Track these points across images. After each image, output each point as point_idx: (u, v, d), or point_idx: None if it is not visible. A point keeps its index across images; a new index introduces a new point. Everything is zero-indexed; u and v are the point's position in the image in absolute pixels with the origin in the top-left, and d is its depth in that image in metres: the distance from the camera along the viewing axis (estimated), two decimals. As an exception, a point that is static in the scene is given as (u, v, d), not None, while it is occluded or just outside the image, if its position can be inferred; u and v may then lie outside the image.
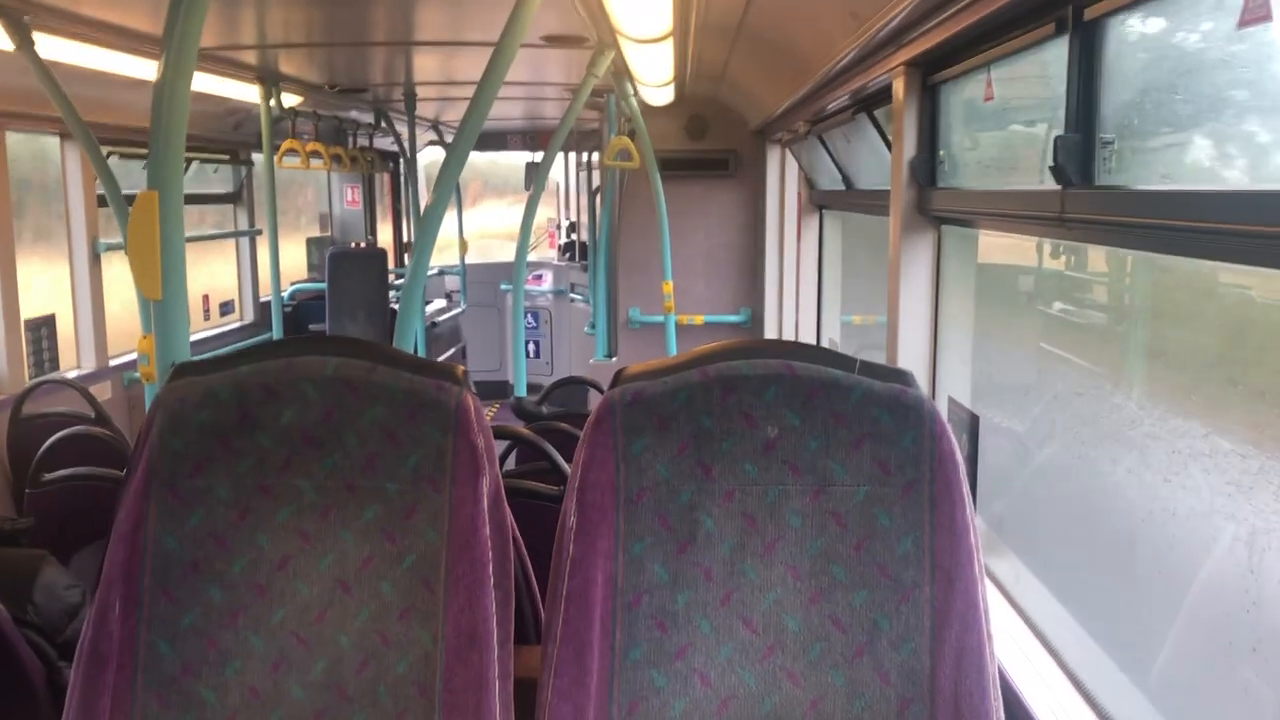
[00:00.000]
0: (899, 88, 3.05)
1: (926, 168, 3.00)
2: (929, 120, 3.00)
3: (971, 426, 2.76)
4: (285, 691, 1.64)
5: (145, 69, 4.59)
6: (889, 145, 3.38)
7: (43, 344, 5.39)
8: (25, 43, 3.71)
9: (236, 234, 7.90)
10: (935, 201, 2.96)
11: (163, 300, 2.07)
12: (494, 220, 14.98)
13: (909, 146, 3.03)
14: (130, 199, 2.19)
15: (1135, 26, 1.93)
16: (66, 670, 2.40)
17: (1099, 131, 1.96)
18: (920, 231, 3.05)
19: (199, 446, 1.66)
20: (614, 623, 1.63)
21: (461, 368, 1.74)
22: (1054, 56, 2.18)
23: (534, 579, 2.21)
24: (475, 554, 1.64)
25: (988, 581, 1.81)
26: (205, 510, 1.65)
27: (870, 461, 1.62)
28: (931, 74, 2.95)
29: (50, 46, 3.91)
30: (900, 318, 3.11)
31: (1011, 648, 2.50)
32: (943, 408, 3.02)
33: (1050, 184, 2.10)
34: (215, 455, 1.66)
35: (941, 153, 3.00)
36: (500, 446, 3.33)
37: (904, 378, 1.66)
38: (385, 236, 11.07)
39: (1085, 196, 1.98)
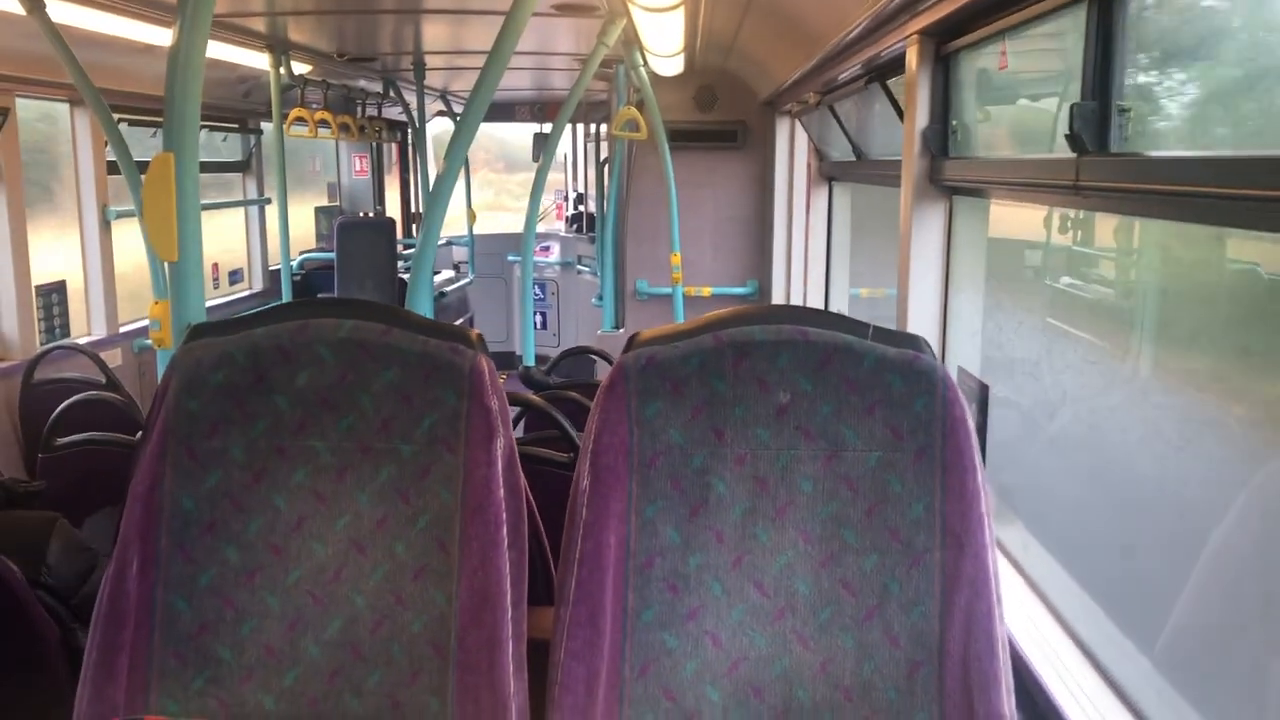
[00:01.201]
0: (912, 57, 3.03)
1: (939, 138, 2.99)
2: (942, 90, 2.99)
3: (981, 396, 2.76)
4: (301, 650, 1.66)
5: (157, 35, 4.58)
6: (901, 115, 3.36)
7: (54, 310, 5.40)
8: (36, 6, 3.70)
9: (246, 202, 7.90)
10: (947, 171, 2.95)
11: (178, 262, 2.07)
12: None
13: (921, 116, 3.01)
14: (141, 165, 2.20)
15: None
16: (80, 632, 2.43)
17: (1115, 99, 1.95)
18: (932, 201, 3.04)
19: (215, 407, 1.67)
20: (626, 585, 1.64)
21: (476, 332, 1.75)
22: (1070, 25, 2.17)
23: (546, 542, 2.23)
24: (489, 515, 1.65)
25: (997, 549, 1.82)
26: (222, 471, 1.67)
27: (882, 427, 1.63)
28: (945, 43, 2.93)
29: (61, 11, 3.90)
30: (911, 287, 3.11)
31: (1019, 613, 2.52)
32: (953, 377, 3.02)
33: (1064, 153, 2.09)
34: (231, 416, 1.67)
35: (954, 122, 2.98)
36: (511, 414, 3.35)
37: (916, 343, 1.67)
38: (393, 206, 11.06)
39: (1101, 164, 1.97)
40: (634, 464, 1.65)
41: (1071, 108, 2.00)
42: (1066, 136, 2.03)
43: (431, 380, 1.68)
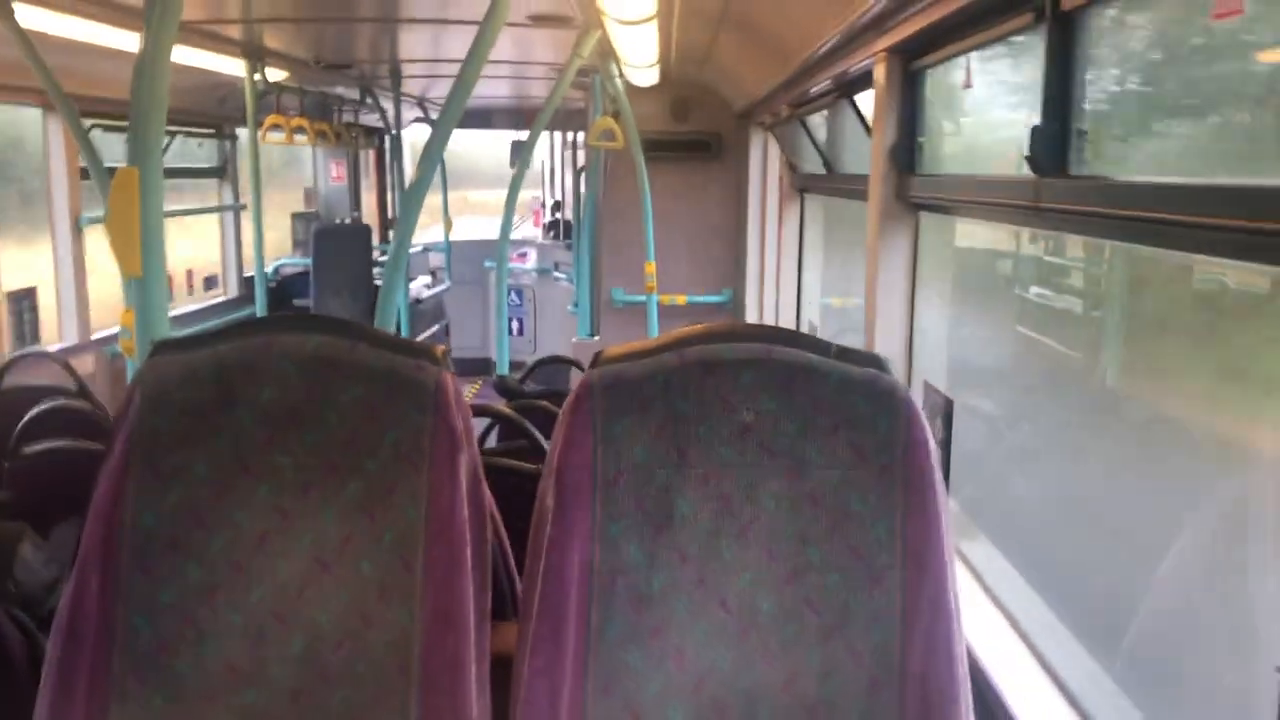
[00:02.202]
0: (880, 74, 3.06)
1: (906, 154, 3.02)
2: (909, 107, 3.02)
3: (946, 411, 2.79)
4: (263, 669, 1.65)
5: (128, 40, 4.55)
6: (869, 131, 3.39)
7: (24, 317, 5.36)
8: (5, 12, 3.68)
9: (220, 209, 7.86)
10: (914, 188, 2.98)
11: (143, 277, 2.07)
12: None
13: (889, 133, 3.04)
14: (112, 171, 2.19)
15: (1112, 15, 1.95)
16: (47, 644, 2.41)
17: (1074, 122, 1.98)
18: (899, 218, 3.07)
19: (178, 424, 1.67)
20: (590, 603, 1.64)
21: (441, 347, 1.75)
22: (1034, 44, 2.20)
23: (512, 557, 2.23)
24: (453, 534, 1.66)
25: (959, 565, 1.84)
26: (184, 487, 1.66)
27: (845, 446, 1.64)
28: (912, 60, 2.96)
29: (31, 16, 3.87)
30: (878, 302, 3.13)
31: (982, 630, 2.54)
32: (918, 392, 3.05)
33: (1026, 173, 2.12)
34: (195, 433, 1.67)
35: (921, 139, 3.01)
36: (483, 424, 3.34)
37: (879, 363, 1.68)
38: (371, 212, 11.03)
39: (1059, 186, 2.00)
40: (598, 481, 1.66)
41: (1032, 130, 2.03)
42: (1026, 158, 2.06)
43: (396, 397, 1.68)
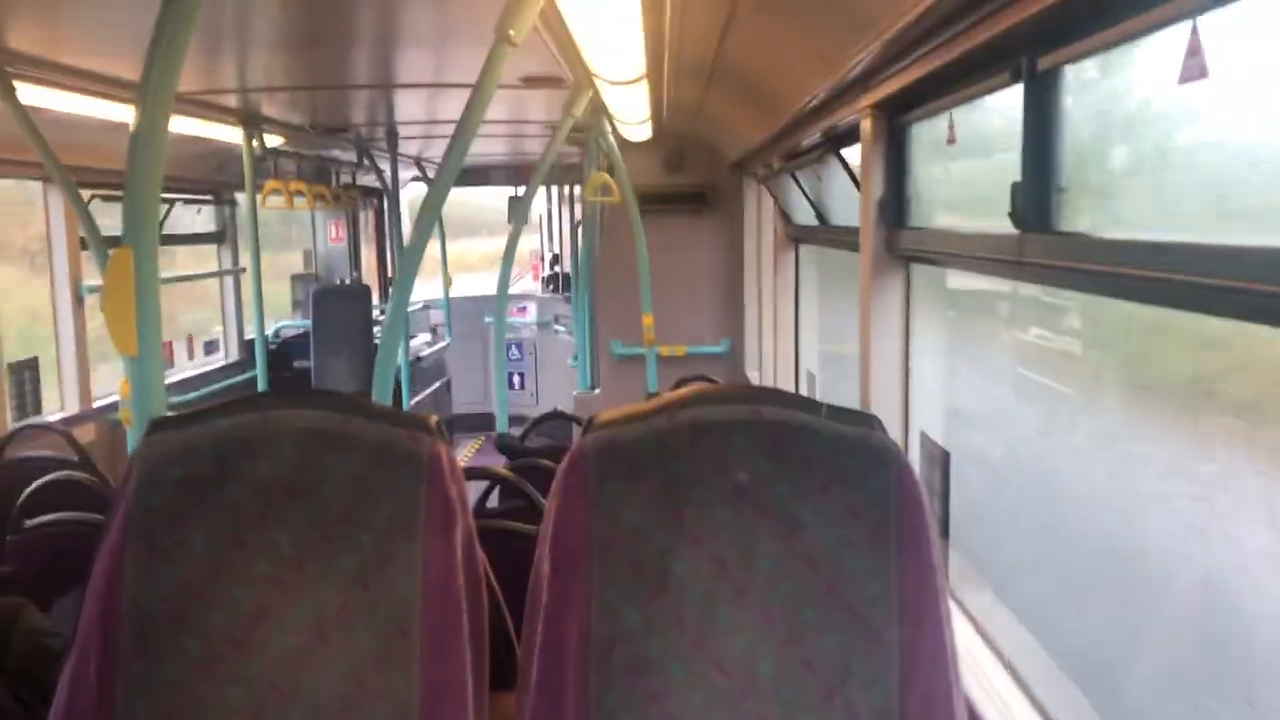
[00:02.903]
0: (866, 128, 3.10)
1: (894, 208, 3.06)
2: (896, 160, 3.06)
3: (944, 462, 2.80)
4: None
5: (127, 113, 4.62)
6: (858, 185, 3.44)
7: (25, 387, 5.38)
8: (6, 92, 3.74)
9: (220, 273, 7.92)
10: (903, 241, 3.01)
11: (138, 354, 2.09)
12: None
13: (877, 186, 3.08)
14: (110, 240, 2.21)
15: (1088, 74, 1.98)
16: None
17: (1055, 178, 2.01)
18: (890, 270, 3.10)
19: (176, 501, 1.68)
20: (587, 670, 1.64)
21: (435, 418, 1.76)
22: (1016, 100, 2.24)
23: (510, 624, 2.23)
24: (449, 604, 1.66)
25: (961, 616, 1.84)
26: (182, 564, 1.67)
27: (838, 505, 1.65)
28: (898, 115, 3.01)
29: (31, 94, 3.94)
30: (872, 355, 3.15)
31: (983, 682, 2.53)
32: (915, 443, 3.06)
33: (1010, 229, 2.15)
34: (192, 509, 1.68)
35: (909, 192, 3.05)
36: (484, 484, 3.35)
37: (870, 421, 1.69)
38: (370, 272, 11.10)
39: (1041, 242, 2.03)
40: (594, 546, 1.66)
41: (1013, 186, 2.06)
42: (1009, 215, 2.09)
43: (390, 468, 1.70)
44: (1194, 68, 1.43)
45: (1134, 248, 1.70)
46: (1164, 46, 1.60)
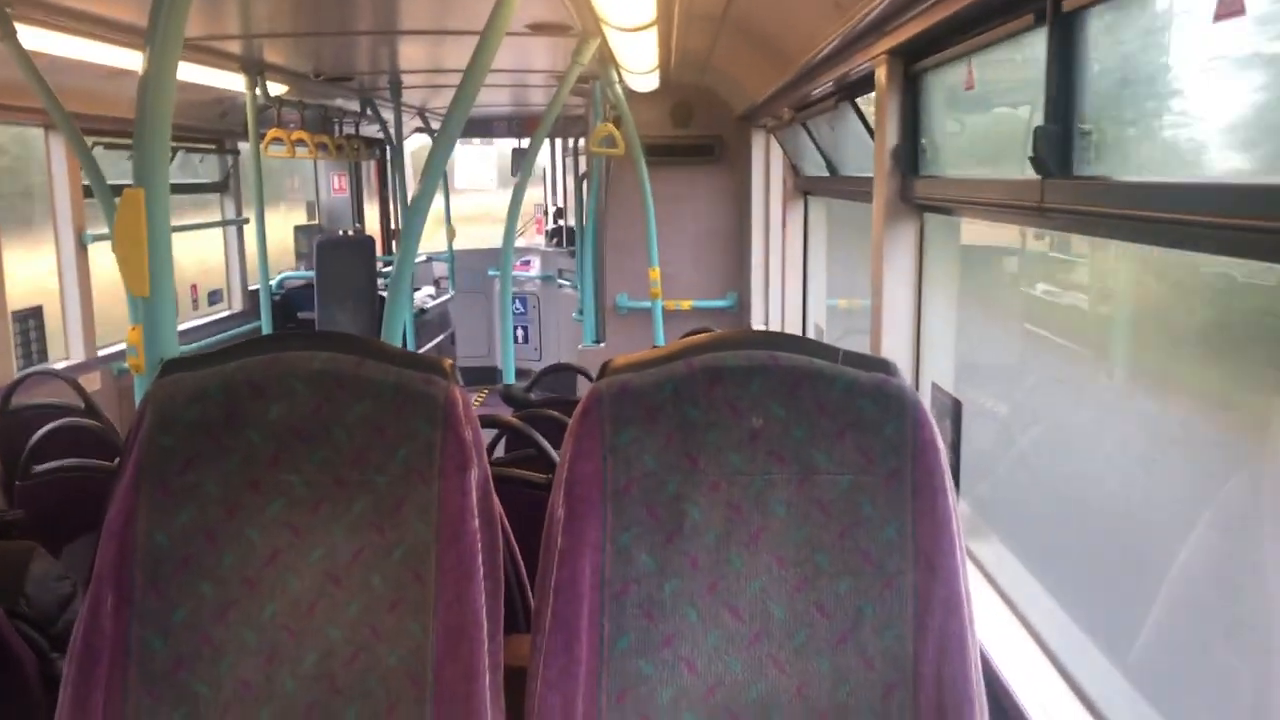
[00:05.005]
0: (881, 76, 3.06)
1: (909, 156, 3.02)
2: (911, 108, 3.02)
3: (955, 412, 2.79)
4: (277, 685, 1.66)
5: (130, 59, 4.57)
6: (871, 133, 3.39)
7: (30, 335, 5.37)
8: (7, 34, 3.69)
9: (224, 223, 7.89)
10: (918, 190, 2.98)
11: (150, 296, 2.07)
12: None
13: (891, 135, 3.04)
14: (115, 189, 2.19)
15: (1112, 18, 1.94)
16: (60, 662, 2.42)
17: (1077, 122, 1.97)
18: (903, 219, 3.07)
19: (188, 443, 1.67)
20: (602, 612, 1.65)
21: (450, 361, 1.75)
22: (1037, 44, 2.20)
23: (523, 568, 2.23)
24: (464, 546, 1.66)
25: (971, 566, 1.83)
26: (195, 506, 1.67)
27: (853, 450, 1.64)
28: (914, 62, 2.96)
29: (33, 37, 3.89)
30: (884, 305, 3.13)
31: (995, 631, 2.54)
32: (926, 394, 3.05)
33: (1031, 174, 2.12)
34: (204, 451, 1.67)
35: (924, 140, 3.01)
36: (491, 434, 3.35)
37: (887, 367, 1.68)
38: (373, 223, 11.05)
39: (1064, 187, 2.00)
40: (608, 491, 1.66)
41: (1035, 130, 2.03)
42: (1030, 159, 2.06)
43: (405, 411, 1.69)
44: (1232, 1, 1.39)
45: (1160, 190, 1.67)
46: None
